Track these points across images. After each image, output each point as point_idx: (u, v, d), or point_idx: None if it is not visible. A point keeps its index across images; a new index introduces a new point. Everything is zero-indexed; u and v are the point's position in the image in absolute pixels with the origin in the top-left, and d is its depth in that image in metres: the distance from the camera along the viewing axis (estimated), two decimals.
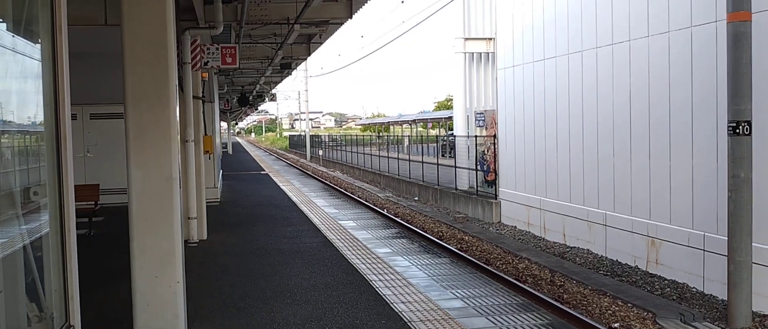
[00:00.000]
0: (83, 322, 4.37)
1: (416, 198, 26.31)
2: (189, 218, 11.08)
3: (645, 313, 10.39)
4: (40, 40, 4.21)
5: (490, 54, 22.12)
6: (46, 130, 4.21)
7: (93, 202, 12.20)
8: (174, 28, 6.28)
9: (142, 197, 5.96)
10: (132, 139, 5.97)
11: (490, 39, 21.78)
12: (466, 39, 22.59)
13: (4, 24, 4.09)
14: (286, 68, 20.30)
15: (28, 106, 4.40)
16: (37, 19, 4.18)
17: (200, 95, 13.02)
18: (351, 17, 12.86)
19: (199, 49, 11.70)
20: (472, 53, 22.76)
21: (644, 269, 13.45)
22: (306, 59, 20.02)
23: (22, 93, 4.37)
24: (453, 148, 26.83)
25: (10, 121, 4.13)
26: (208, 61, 12.38)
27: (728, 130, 10.07)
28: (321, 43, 17.43)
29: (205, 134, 13.78)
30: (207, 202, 12.67)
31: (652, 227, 13.37)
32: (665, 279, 12.72)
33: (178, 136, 6.25)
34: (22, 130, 4.43)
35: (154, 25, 6.00)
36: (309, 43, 17.59)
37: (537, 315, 7.01)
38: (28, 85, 4.32)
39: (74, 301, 4.25)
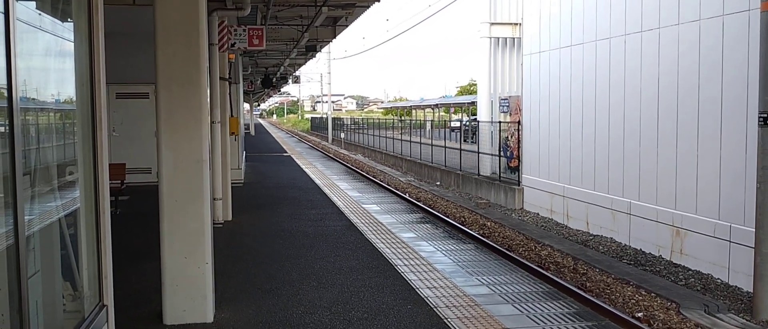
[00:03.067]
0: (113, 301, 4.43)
1: (438, 183, 26.28)
2: (214, 199, 11.14)
3: (669, 303, 10.33)
4: (75, 20, 4.24)
5: (516, 39, 21.99)
6: (81, 110, 4.23)
7: (119, 181, 12.32)
8: (205, 11, 6.29)
9: (173, 178, 6.00)
10: (163, 120, 6.00)
11: (517, 24, 21.64)
12: (492, 24, 22.45)
13: (46, 5, 4.11)
14: (311, 50, 20.29)
15: (64, 85, 4.42)
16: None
17: (227, 77, 13.05)
18: (378, 0, 12.82)
19: (226, 30, 11.72)
20: (498, 38, 22.62)
21: (668, 259, 13.36)
22: (331, 41, 19.98)
23: (60, 72, 4.39)
24: (475, 133, 26.75)
25: (44, 101, 4.16)
26: (235, 43, 12.40)
27: (759, 121, 9.93)
28: (347, 26, 17.39)
29: (231, 116, 13.83)
30: (231, 183, 12.74)
31: (677, 217, 13.26)
32: (690, 270, 12.63)
33: (209, 118, 6.28)
34: (58, 109, 4.46)
35: (186, 8, 6.01)
36: (335, 26, 17.55)
37: (563, 304, 6.97)
38: (66, 64, 4.35)
39: (108, 281, 4.30)
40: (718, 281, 11.91)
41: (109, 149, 4.62)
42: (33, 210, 3.58)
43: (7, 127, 3.05)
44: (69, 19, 4.26)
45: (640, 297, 10.62)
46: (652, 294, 10.74)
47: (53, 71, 4.30)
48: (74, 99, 4.26)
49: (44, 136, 4.16)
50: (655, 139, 14.02)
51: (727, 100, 11.99)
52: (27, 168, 3.48)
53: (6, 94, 3.03)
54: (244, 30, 12.59)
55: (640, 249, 14.20)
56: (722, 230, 12.04)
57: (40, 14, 3.99)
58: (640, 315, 9.69)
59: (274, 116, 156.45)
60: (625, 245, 14.71)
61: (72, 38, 4.25)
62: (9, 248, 3.09)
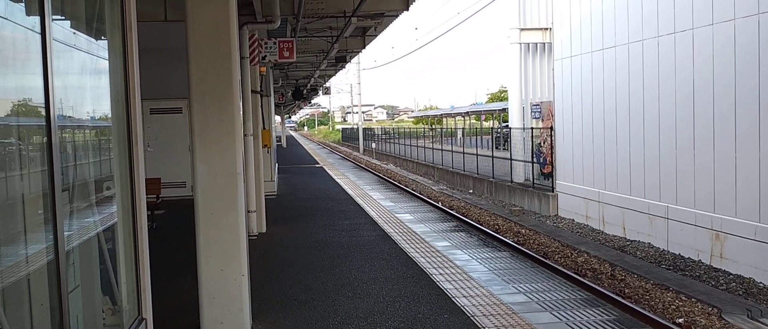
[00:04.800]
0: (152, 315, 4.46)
1: (471, 191, 26.15)
2: (249, 211, 11.18)
3: (710, 309, 10.13)
4: (109, 38, 4.29)
5: (546, 44, 21.82)
6: (117, 126, 4.28)
7: (155, 196, 12.44)
8: (236, 25, 6.33)
9: (207, 191, 6.03)
10: (197, 134, 6.04)
11: (547, 29, 21.48)
12: (522, 29, 22.31)
13: (80, 24, 4.17)
14: (341, 61, 20.31)
15: (100, 102, 4.48)
16: (109, 18, 4.25)
17: (258, 90, 13.14)
18: (407, 9, 12.78)
19: (257, 43, 11.80)
20: (528, 44, 22.48)
21: (708, 263, 13.11)
22: (360, 52, 20.01)
23: (96, 89, 4.45)
24: (507, 140, 26.59)
25: (80, 118, 4.21)
26: (265, 56, 12.48)
27: None
28: (376, 36, 17.39)
29: (264, 128, 13.91)
30: (265, 195, 12.80)
31: (716, 220, 13.01)
32: (730, 274, 12.38)
33: (242, 132, 6.31)
34: (94, 126, 4.51)
35: (217, 23, 6.07)
36: (364, 36, 17.56)
37: (603, 311, 6.87)
38: (101, 81, 4.41)
39: (146, 294, 4.34)
40: (761, 285, 11.65)
41: (145, 164, 4.65)
42: (72, 226, 3.63)
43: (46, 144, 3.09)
44: (103, 37, 4.32)
45: (681, 303, 10.43)
46: (693, 300, 10.55)
47: (89, 89, 4.36)
48: (110, 115, 4.32)
49: (81, 153, 4.21)
50: (691, 141, 13.80)
51: (764, 98, 11.76)
52: (65, 185, 3.53)
53: (44, 113, 3.07)
54: (275, 43, 12.65)
55: (679, 254, 13.96)
56: (763, 233, 11.79)
57: (74, 33, 4.04)
58: (681, 321, 9.51)
59: (305, 128, 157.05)
60: (663, 250, 14.47)
61: (106, 56, 4.30)
62: (49, 263, 3.13)
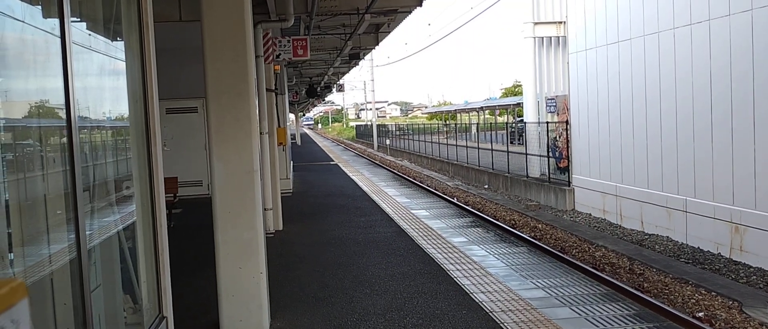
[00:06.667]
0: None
1: (486, 187, 26.09)
2: (265, 209, 11.20)
3: (730, 302, 10.06)
4: (126, 38, 4.32)
5: (560, 38, 21.74)
6: (135, 125, 4.31)
7: (172, 195, 12.51)
8: (251, 24, 6.35)
9: (225, 189, 6.06)
10: (214, 132, 6.07)
11: (561, 22, 21.40)
12: (536, 23, 22.24)
13: (98, 26, 4.19)
14: (354, 58, 20.32)
15: (118, 103, 4.50)
16: (125, 19, 4.28)
17: (273, 88, 13.17)
18: (420, 5, 12.78)
19: (271, 42, 11.82)
20: (542, 38, 22.41)
21: (728, 256, 13.01)
22: (374, 48, 19.99)
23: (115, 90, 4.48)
24: (522, 134, 26.52)
25: (99, 119, 4.24)
26: (279, 54, 12.50)
27: None
28: (389, 32, 17.37)
29: (279, 126, 13.95)
30: (281, 193, 12.83)
31: (735, 213, 12.90)
32: (751, 267, 12.28)
33: (258, 130, 6.33)
34: (112, 126, 4.54)
35: (232, 21, 6.09)
36: (377, 33, 17.54)
37: (622, 306, 6.84)
38: (119, 82, 4.43)
39: (166, 293, 4.36)
40: None
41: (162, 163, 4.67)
42: (93, 226, 3.65)
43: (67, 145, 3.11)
44: (120, 38, 4.34)
45: (700, 297, 10.36)
46: (713, 294, 10.47)
47: (108, 89, 4.39)
48: (127, 115, 4.34)
49: (101, 153, 4.24)
50: (709, 133, 13.68)
51: None
52: (86, 185, 3.55)
53: (64, 114, 3.10)
54: (289, 41, 12.68)
55: (698, 248, 13.86)
56: None
57: (92, 35, 4.07)
58: (700, 314, 9.45)
59: (319, 125, 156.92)
60: (682, 243, 14.37)
61: (124, 57, 4.33)
62: (72, 262, 3.16)
